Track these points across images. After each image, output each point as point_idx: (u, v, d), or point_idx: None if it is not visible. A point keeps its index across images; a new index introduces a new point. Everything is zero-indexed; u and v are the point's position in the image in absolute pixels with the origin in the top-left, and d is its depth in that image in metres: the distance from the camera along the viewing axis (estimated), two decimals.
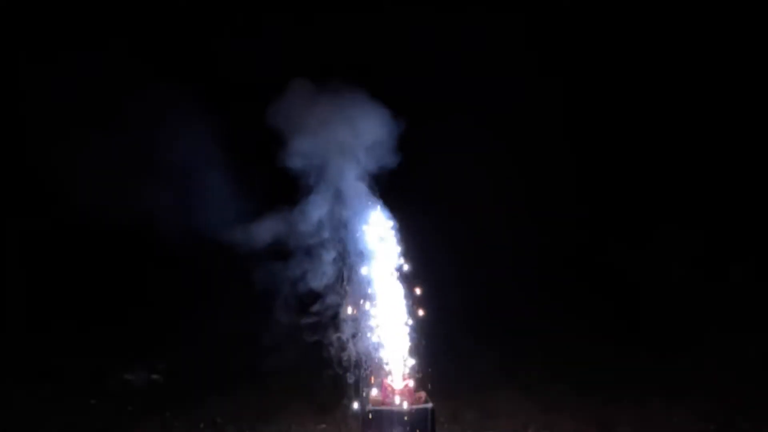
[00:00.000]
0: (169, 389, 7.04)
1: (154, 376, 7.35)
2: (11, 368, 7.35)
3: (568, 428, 5.70)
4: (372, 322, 4.51)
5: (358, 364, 4.53)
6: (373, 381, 4.47)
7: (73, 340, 8.50)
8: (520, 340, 8.99)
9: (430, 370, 4.57)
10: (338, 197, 4.64)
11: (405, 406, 4.24)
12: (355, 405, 4.40)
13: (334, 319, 4.61)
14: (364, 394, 4.43)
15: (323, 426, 5.78)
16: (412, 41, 9.47)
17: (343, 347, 4.56)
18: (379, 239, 4.53)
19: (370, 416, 4.17)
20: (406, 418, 4.17)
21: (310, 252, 4.70)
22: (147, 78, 5.42)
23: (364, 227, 4.56)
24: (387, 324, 4.49)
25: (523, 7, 10.44)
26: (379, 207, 4.60)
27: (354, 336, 4.53)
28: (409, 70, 9.35)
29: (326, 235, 4.64)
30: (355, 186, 4.63)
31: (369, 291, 4.52)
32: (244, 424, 5.86)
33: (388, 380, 4.40)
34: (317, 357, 4.76)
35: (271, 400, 6.58)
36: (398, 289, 4.52)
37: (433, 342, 4.57)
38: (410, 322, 4.51)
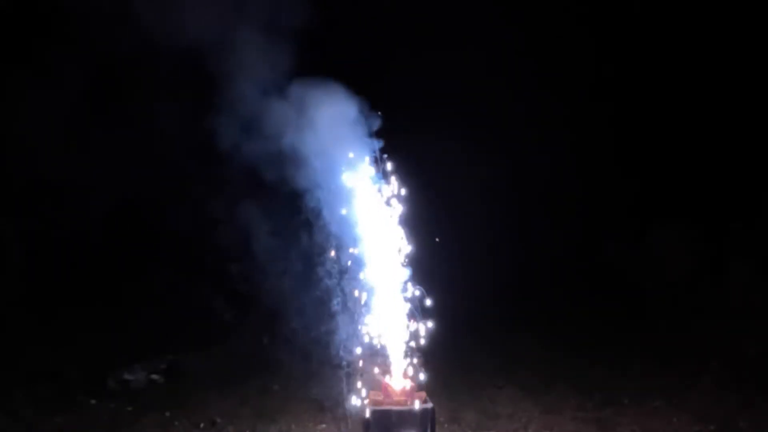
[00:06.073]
0: (169, 389, 7.03)
1: (154, 376, 7.34)
2: (11, 368, 7.34)
3: (568, 429, 5.70)
4: (371, 322, 4.50)
5: (358, 363, 4.52)
6: (373, 380, 4.46)
7: (73, 340, 8.48)
8: (521, 340, 8.98)
9: (429, 371, 4.56)
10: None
11: (405, 406, 4.23)
12: (354, 404, 4.39)
13: (333, 318, 4.61)
14: (364, 394, 4.42)
15: (323, 426, 5.77)
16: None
17: (342, 346, 4.56)
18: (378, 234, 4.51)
19: (370, 416, 4.16)
20: (406, 418, 4.17)
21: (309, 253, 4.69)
22: None
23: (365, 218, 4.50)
24: (386, 324, 4.48)
25: (520, 11, 10.46)
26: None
27: (354, 335, 4.52)
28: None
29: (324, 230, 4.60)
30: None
31: (368, 293, 4.52)
32: (244, 424, 5.86)
33: (388, 380, 4.39)
34: (317, 356, 4.75)
35: (271, 400, 6.57)
36: (398, 292, 4.51)
37: (432, 342, 4.56)
38: (410, 325, 4.50)
